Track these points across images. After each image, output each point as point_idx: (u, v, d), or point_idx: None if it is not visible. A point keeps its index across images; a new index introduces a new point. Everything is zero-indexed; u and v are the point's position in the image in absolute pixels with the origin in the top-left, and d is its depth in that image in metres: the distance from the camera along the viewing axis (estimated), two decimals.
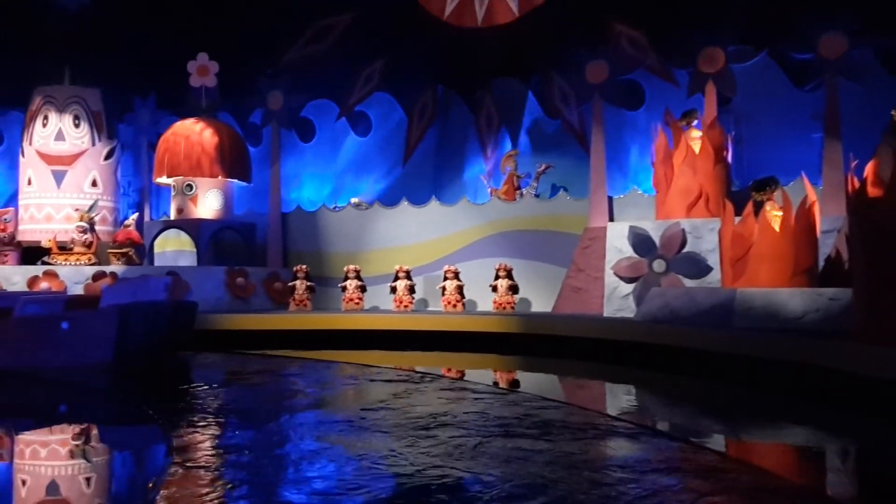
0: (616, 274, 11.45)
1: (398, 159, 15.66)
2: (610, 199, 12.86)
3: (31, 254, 14.08)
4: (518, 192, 14.19)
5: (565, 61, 13.45)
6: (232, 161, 14.30)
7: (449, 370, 9.93)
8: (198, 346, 11.18)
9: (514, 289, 12.69)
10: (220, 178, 14.23)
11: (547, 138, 14.80)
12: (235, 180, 14.59)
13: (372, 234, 14.39)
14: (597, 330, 10.33)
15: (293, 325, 12.15)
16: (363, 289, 13.37)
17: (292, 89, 14.91)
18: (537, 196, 13.89)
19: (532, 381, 9.15)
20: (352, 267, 13.41)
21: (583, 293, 12.23)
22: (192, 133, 14.15)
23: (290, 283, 13.60)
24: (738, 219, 9.72)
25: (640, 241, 11.32)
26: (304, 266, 13.60)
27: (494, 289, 12.69)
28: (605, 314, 11.40)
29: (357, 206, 14.89)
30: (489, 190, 14.54)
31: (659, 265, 11.14)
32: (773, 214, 9.30)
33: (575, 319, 11.12)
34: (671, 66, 12.81)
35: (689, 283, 10.86)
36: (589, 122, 13.34)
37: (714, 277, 10.68)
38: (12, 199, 15.47)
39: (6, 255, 13.44)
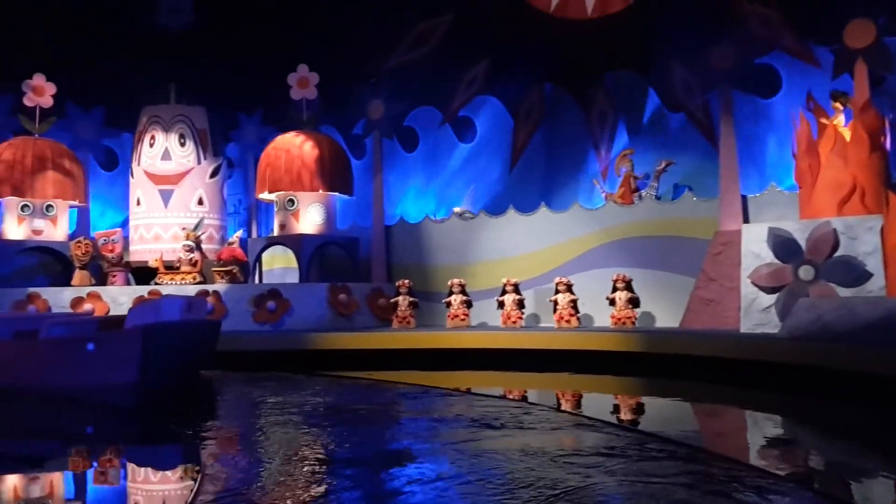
0: (754, 283, 9.98)
1: (504, 165, 14.76)
2: (744, 198, 11.43)
3: (141, 274, 14.14)
4: (636, 194, 12.90)
5: (687, 47, 12.11)
6: (333, 174, 13.84)
7: (562, 396, 8.84)
8: (296, 367, 10.70)
9: (634, 302, 11.45)
10: (321, 191, 13.77)
11: (669, 134, 13.47)
12: (337, 194, 14.11)
13: (477, 245, 13.52)
14: (732, 348, 9.18)
15: (394, 344, 11.47)
16: (469, 304, 12.53)
17: (393, 97, 14.35)
18: (658, 198, 12.57)
19: (661, 412, 7.92)
20: (456, 281, 12.58)
21: (715, 306, 10.88)
22: (293, 147, 13.79)
23: (392, 300, 12.91)
24: None
25: (783, 245, 9.81)
26: (406, 281, 12.89)
27: (612, 302, 11.50)
28: (743, 330, 10.01)
29: (462, 215, 14.06)
30: (603, 195, 13.33)
31: (806, 272, 9.58)
32: None
33: (706, 336, 9.81)
34: (811, 45, 11.24)
35: (843, 292, 9.27)
36: (716, 114, 11.95)
37: (875, 285, 9.08)
38: (126, 221, 15.68)
39: (115, 276, 13.50)
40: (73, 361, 8.23)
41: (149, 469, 5.59)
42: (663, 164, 12.83)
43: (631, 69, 13.51)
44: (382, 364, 10.91)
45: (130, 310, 9.19)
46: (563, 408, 7.87)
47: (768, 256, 9.96)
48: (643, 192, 12.83)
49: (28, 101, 13.91)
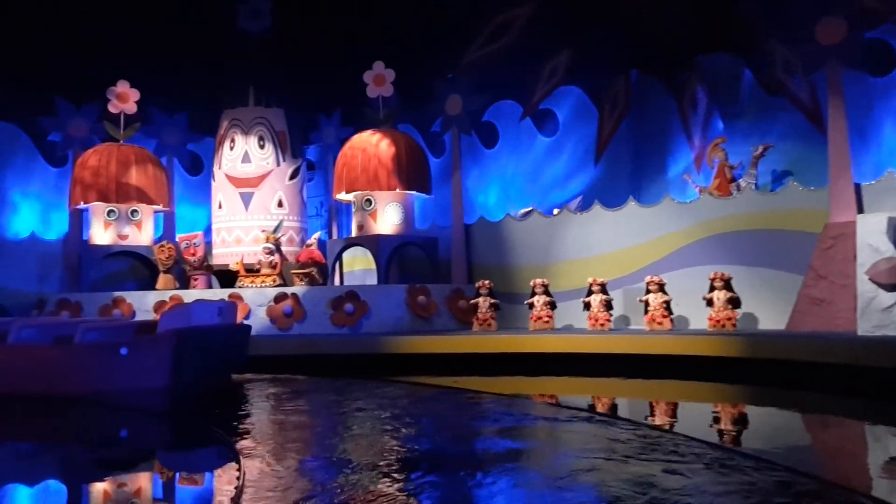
0: (873, 280, 8.95)
1: (589, 158, 14.03)
2: (857, 186, 10.35)
3: (224, 277, 14.17)
4: (733, 184, 11.94)
5: (789, 23, 11.08)
6: (410, 172, 13.47)
7: (656, 406, 8.10)
8: (371, 371, 10.36)
9: (734, 302, 10.55)
10: (398, 190, 13.42)
11: (769, 119, 12.46)
12: (415, 192, 13.73)
13: (562, 243, 12.85)
14: (848, 353, 8.27)
15: (474, 348, 10.94)
16: (553, 305, 11.90)
17: (471, 92, 13.87)
18: (757, 186, 11.57)
19: (768, 426, 7.09)
20: (539, 281, 11.95)
21: (826, 306, 9.88)
22: (369, 146, 13.50)
23: (472, 301, 12.41)
24: None
25: None
26: (486, 281, 12.36)
27: (710, 302, 10.64)
28: (860, 332, 9.02)
29: (544, 213, 13.39)
30: (697, 190, 12.41)
31: None
32: None
33: (817, 340, 8.87)
34: None
35: None
36: (823, 95, 10.88)
37: None
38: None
39: (196, 279, 13.54)
40: (106, 366, 8.37)
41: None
42: (760, 149, 11.86)
43: (726, 50, 12.61)
44: (463, 369, 10.45)
45: (162, 315, 9.30)
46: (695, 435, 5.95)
47: (888, 250, 8.92)
48: (741, 182, 11.85)
49: (112, 108, 14.16)
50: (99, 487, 5.09)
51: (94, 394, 8.25)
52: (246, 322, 12.27)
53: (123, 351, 8.30)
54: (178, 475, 5.46)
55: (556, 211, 13.67)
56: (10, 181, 15.25)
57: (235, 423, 6.69)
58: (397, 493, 4.17)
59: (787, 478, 4.37)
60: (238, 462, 4.99)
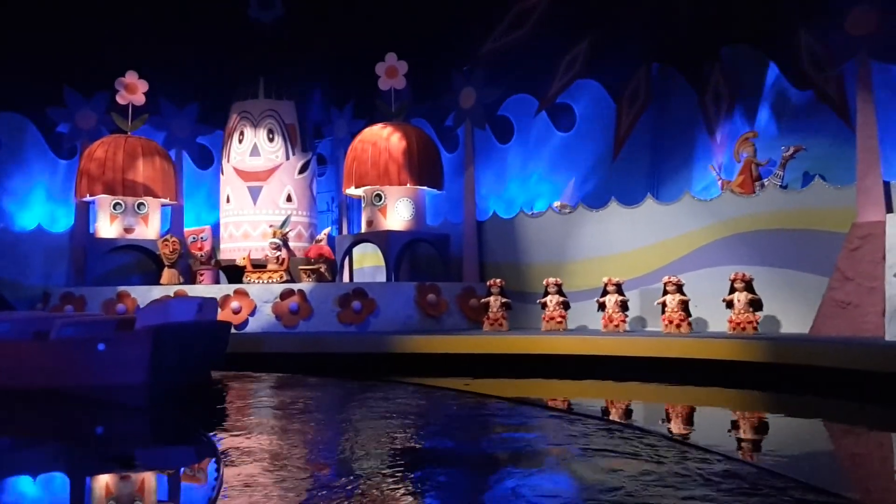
0: None
1: (606, 154, 13.61)
2: (886, 184, 9.89)
3: (231, 272, 13.91)
4: (758, 182, 11.46)
5: (816, 13, 10.61)
6: (422, 167, 13.11)
7: (670, 415, 7.70)
8: (379, 372, 10.02)
9: (756, 304, 10.10)
10: (409, 185, 13.07)
11: (794, 114, 11.98)
12: (427, 188, 13.37)
13: (576, 241, 12.45)
14: (875, 359, 7.84)
15: (484, 349, 10.56)
16: (566, 305, 11.51)
17: (486, 85, 13.48)
18: (784, 187, 11.08)
19: (793, 438, 6.66)
20: (552, 280, 11.57)
21: (852, 309, 9.44)
22: (379, 139, 13.15)
23: (483, 300, 12.04)
24: None
25: None
26: (498, 280, 11.99)
27: (730, 304, 10.20)
28: (888, 337, 8.60)
29: (560, 209, 13.00)
30: (719, 182, 11.95)
31: None
32: None
33: (842, 345, 8.45)
34: None
35: None
36: (851, 88, 10.38)
37: None
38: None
39: (202, 275, 13.28)
40: (83, 361, 8.30)
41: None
42: (791, 150, 11.33)
43: (749, 42, 12.12)
44: (472, 369, 10.10)
45: (140, 310, 9.18)
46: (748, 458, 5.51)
47: None
48: (767, 181, 11.38)
49: (121, 99, 13.93)
50: (74, 484, 4.99)
51: (71, 389, 8.18)
52: (252, 318, 12.10)
53: (101, 346, 8.25)
54: (154, 472, 5.33)
55: (556, 203, 13.26)
56: (17, 172, 15.11)
57: (215, 420, 6.60)
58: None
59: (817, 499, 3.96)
60: (217, 459, 4.88)
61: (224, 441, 5.56)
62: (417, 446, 5.47)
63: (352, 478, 4.44)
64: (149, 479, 5.07)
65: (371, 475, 4.49)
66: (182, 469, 5.43)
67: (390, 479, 4.38)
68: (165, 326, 8.40)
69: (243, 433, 5.89)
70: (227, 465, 4.71)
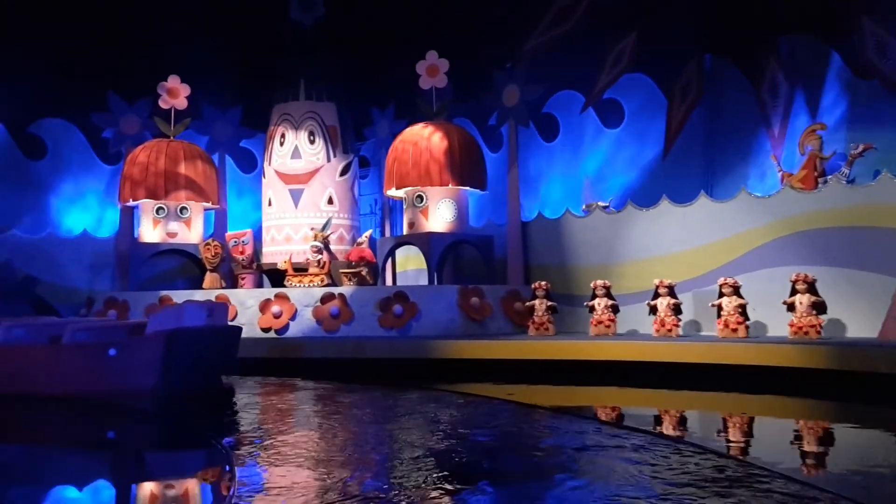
0: None
1: (657, 151, 13.08)
2: None
3: (273, 276, 13.79)
4: (821, 178, 10.82)
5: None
6: (464, 167, 12.79)
7: (729, 421, 7.20)
8: (420, 378, 9.71)
9: (819, 307, 9.50)
10: (451, 186, 12.76)
11: (858, 106, 11.28)
12: (469, 188, 13.04)
13: (626, 242, 11.95)
14: None
15: (528, 354, 10.20)
16: (615, 309, 11.05)
17: (529, 82, 13.09)
18: (850, 182, 10.44)
19: (852, 448, 6.12)
20: (600, 283, 11.11)
21: None
22: (421, 139, 12.88)
23: (528, 303, 11.64)
24: None
25: None
26: (543, 283, 11.58)
27: (791, 307, 9.61)
28: None
29: (607, 209, 12.51)
30: (780, 174, 11.33)
31: None
32: None
33: None
34: None
35: None
36: None
37: None
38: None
39: (244, 278, 13.19)
40: (95, 366, 8.31)
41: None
42: (861, 148, 10.64)
43: (809, 31, 11.49)
44: (517, 375, 9.75)
45: (152, 315, 9.17)
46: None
47: None
48: (832, 177, 10.72)
49: (163, 104, 13.94)
50: (85, 489, 4.94)
51: (82, 394, 8.16)
52: (293, 322, 11.92)
53: (112, 352, 8.22)
54: (164, 478, 5.22)
55: (600, 203, 12.76)
56: (64, 178, 15.27)
57: (226, 425, 6.60)
58: None
59: None
60: (230, 465, 4.82)
61: (233, 447, 5.47)
62: (460, 460, 5.12)
63: (386, 488, 4.14)
64: (159, 485, 4.93)
65: (406, 488, 4.17)
66: (193, 474, 5.38)
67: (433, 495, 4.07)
68: (177, 331, 8.38)
69: (253, 438, 5.81)
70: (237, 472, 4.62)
